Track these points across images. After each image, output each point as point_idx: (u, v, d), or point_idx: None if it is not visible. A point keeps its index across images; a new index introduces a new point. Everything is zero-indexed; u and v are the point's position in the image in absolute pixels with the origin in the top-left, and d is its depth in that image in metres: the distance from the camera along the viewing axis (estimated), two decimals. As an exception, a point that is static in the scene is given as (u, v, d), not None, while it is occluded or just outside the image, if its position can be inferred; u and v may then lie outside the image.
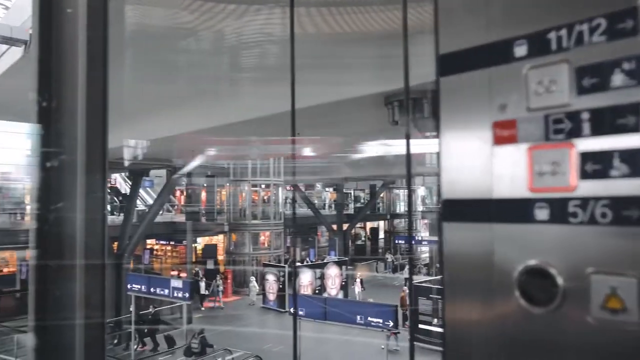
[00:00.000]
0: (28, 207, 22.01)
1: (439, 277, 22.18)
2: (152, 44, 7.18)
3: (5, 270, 24.83)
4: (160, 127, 13.48)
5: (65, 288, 1.93)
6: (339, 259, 26.87)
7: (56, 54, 2.22)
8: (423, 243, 35.06)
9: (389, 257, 32.46)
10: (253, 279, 24.51)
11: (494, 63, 0.59)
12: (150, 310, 17.37)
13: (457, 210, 0.61)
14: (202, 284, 23.11)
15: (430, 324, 17.25)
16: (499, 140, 0.58)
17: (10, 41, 9.53)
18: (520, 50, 0.57)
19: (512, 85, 0.58)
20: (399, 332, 14.41)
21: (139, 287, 16.84)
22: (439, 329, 16.64)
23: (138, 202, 25.62)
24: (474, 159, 0.60)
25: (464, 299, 0.61)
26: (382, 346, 15.34)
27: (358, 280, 24.12)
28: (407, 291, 20.28)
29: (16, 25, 9.34)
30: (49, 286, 1.97)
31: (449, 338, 0.63)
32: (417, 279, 22.76)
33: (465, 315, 0.61)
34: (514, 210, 0.57)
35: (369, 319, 14.10)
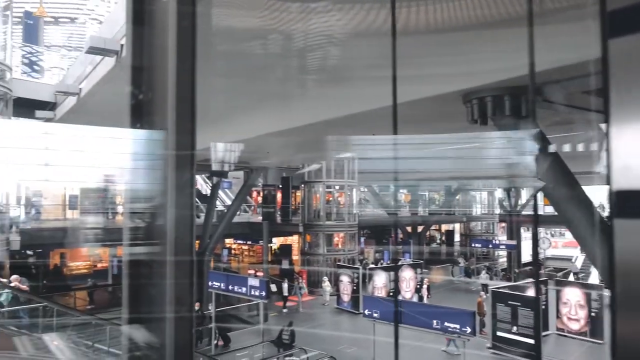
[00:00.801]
0: (119, 207, 23.49)
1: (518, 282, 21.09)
2: (233, 48, 7.36)
3: (99, 265, 26.75)
4: (239, 130, 13.86)
5: (157, 283, 1.95)
6: (413, 261, 26.35)
7: (148, 57, 2.25)
8: (501, 247, 33.62)
9: (462, 261, 31.32)
10: (326, 279, 24.62)
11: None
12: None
13: (636, 204, 0.48)
14: (285, 285, 23.16)
15: (509, 331, 16.49)
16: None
17: (104, 52, 10.18)
18: None
19: None
20: (459, 337, 13.89)
21: (219, 284, 17.43)
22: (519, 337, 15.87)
23: (217, 202, 26.62)
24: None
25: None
26: (456, 352, 14.85)
27: (425, 285, 23.53)
28: (485, 297, 19.48)
29: (109, 38, 9.97)
30: (141, 281, 2.01)
31: (621, 354, 0.51)
32: (494, 284, 21.79)
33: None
34: None
35: (446, 323, 13.67)
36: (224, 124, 12.97)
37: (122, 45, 9.81)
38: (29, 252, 23.16)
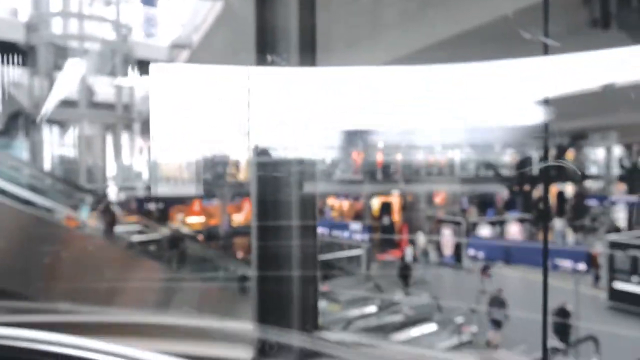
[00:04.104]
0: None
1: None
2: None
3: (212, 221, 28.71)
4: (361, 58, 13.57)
5: (282, 244, 2.07)
6: (521, 216, 25.16)
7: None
8: (618, 203, 30.80)
9: (559, 222, 27.31)
10: (421, 233, 24.17)
11: None
12: None
13: None
14: (410, 251, 20.57)
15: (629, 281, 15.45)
16: None
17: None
18: None
19: None
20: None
21: (324, 230, 18.13)
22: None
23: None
24: None
25: None
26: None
27: None
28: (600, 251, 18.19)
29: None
30: (268, 242, 2.13)
31: None
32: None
33: None
34: None
35: (557, 261, 13.09)
36: (346, 52, 12.80)
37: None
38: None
